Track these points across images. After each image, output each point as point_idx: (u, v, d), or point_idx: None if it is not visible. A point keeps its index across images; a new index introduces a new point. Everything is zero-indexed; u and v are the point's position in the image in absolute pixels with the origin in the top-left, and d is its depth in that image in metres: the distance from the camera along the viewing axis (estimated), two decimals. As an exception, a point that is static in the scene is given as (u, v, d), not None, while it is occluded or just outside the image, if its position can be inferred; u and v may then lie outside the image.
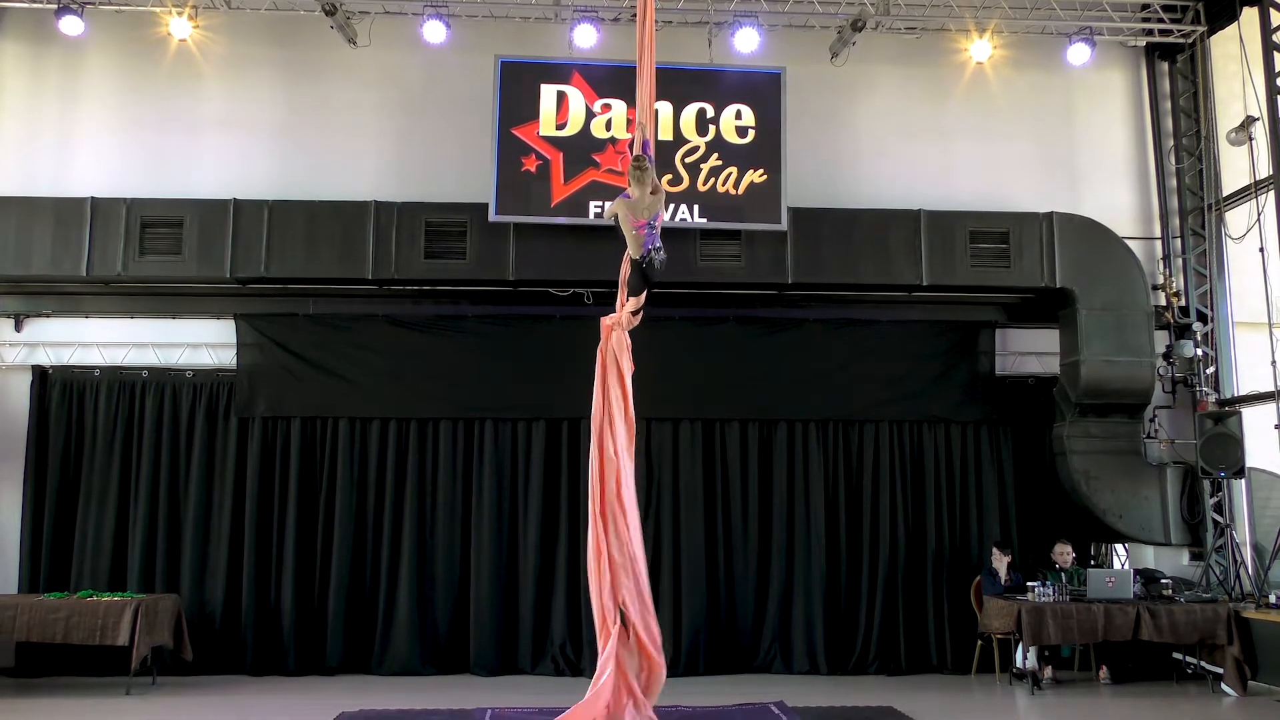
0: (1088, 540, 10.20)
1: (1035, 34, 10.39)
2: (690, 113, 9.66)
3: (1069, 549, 9.53)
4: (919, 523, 9.97)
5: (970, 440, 10.14)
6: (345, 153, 10.17)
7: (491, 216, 9.45)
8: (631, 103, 9.54)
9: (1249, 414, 9.69)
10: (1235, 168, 10.38)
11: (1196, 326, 10.39)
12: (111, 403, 9.75)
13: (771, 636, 9.69)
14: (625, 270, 7.19)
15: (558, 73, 9.71)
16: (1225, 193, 10.47)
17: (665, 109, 9.48)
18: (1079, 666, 9.45)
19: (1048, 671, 8.85)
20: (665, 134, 9.54)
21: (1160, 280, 10.46)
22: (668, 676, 9.30)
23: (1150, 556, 10.15)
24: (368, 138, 10.24)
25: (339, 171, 10.08)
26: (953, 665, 9.66)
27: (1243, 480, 9.71)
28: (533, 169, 9.55)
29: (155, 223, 9.49)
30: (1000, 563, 9.46)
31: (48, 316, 9.98)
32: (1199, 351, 10.29)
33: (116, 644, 8.24)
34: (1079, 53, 10.22)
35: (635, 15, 9.86)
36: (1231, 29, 9.96)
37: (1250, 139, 10.02)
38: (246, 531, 9.54)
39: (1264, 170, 9.75)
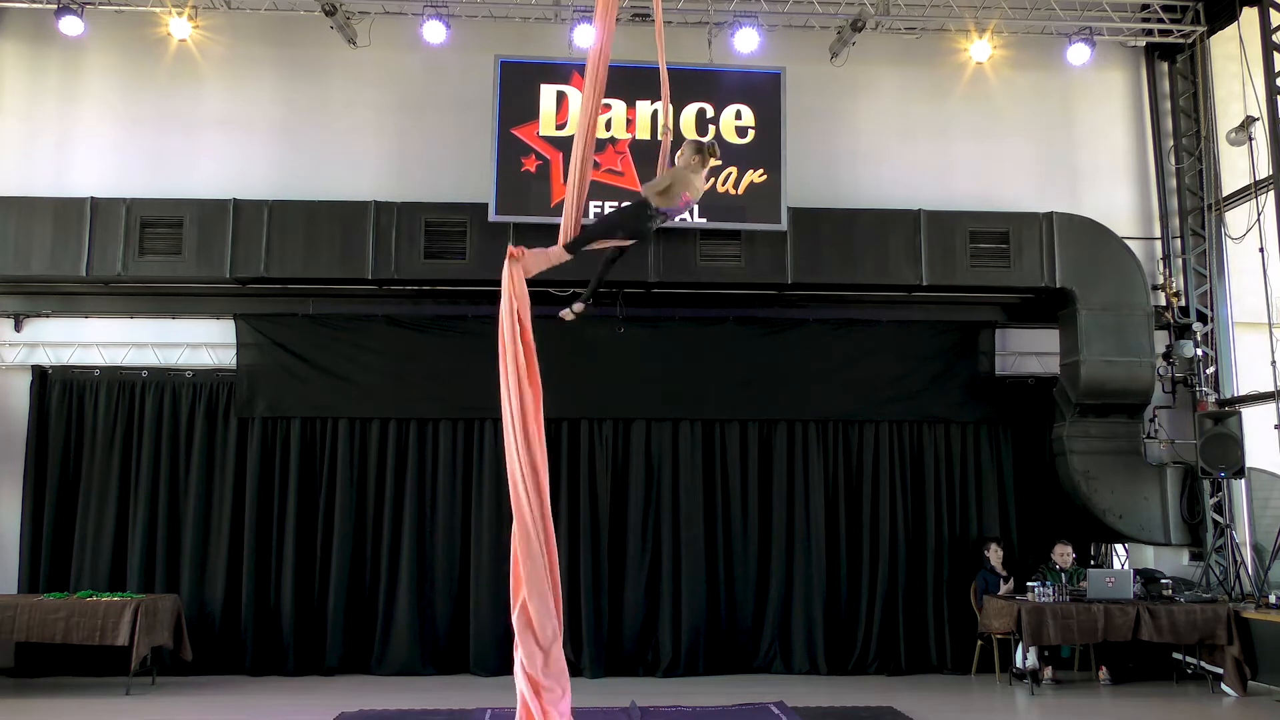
0: (1088, 540, 10.20)
1: (1035, 34, 10.39)
2: (690, 113, 9.66)
3: (1069, 549, 9.53)
4: (919, 523, 9.96)
5: (970, 440, 10.14)
6: (345, 152, 10.17)
7: (491, 216, 9.45)
8: (631, 103, 9.60)
9: (1249, 414, 9.69)
10: (1235, 168, 10.38)
11: (1196, 326, 10.39)
12: (111, 403, 9.75)
13: (771, 636, 9.69)
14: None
15: (558, 73, 9.72)
16: (1225, 193, 10.47)
17: (667, 103, 9.45)
18: (1079, 666, 9.45)
19: (1048, 671, 8.84)
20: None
21: (1160, 280, 10.46)
22: (668, 676, 9.41)
23: (1150, 556, 10.15)
24: (367, 137, 10.24)
25: (339, 171, 10.07)
26: (953, 665, 9.66)
27: (1243, 480, 9.71)
28: (532, 169, 9.55)
29: (155, 223, 9.49)
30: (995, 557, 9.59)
31: (48, 316, 9.98)
32: (1199, 351, 10.28)
33: (116, 644, 8.23)
34: (1079, 53, 10.22)
35: (635, 16, 9.94)
36: (1231, 29, 9.95)
37: (1250, 139, 10.02)
38: (246, 531, 9.53)
39: (1264, 170, 9.75)
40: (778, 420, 10.00)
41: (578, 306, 6.24)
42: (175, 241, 9.46)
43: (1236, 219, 10.34)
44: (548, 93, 9.66)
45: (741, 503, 9.89)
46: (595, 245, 6.07)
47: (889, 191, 10.21)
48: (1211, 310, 10.46)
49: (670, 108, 6.46)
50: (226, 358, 9.87)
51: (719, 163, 6.26)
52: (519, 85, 9.62)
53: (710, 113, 9.72)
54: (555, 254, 5.98)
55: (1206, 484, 9.74)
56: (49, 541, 9.51)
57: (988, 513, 10.00)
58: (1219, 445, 9.39)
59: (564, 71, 9.71)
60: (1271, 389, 9.43)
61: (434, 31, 9.86)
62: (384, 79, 10.34)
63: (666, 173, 6.04)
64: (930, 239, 9.81)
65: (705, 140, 6.23)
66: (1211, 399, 10.18)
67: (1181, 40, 10.59)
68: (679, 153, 6.06)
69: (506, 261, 5.92)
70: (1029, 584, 8.89)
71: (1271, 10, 9.45)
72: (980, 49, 10.32)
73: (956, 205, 10.04)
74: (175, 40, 10.01)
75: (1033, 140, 10.66)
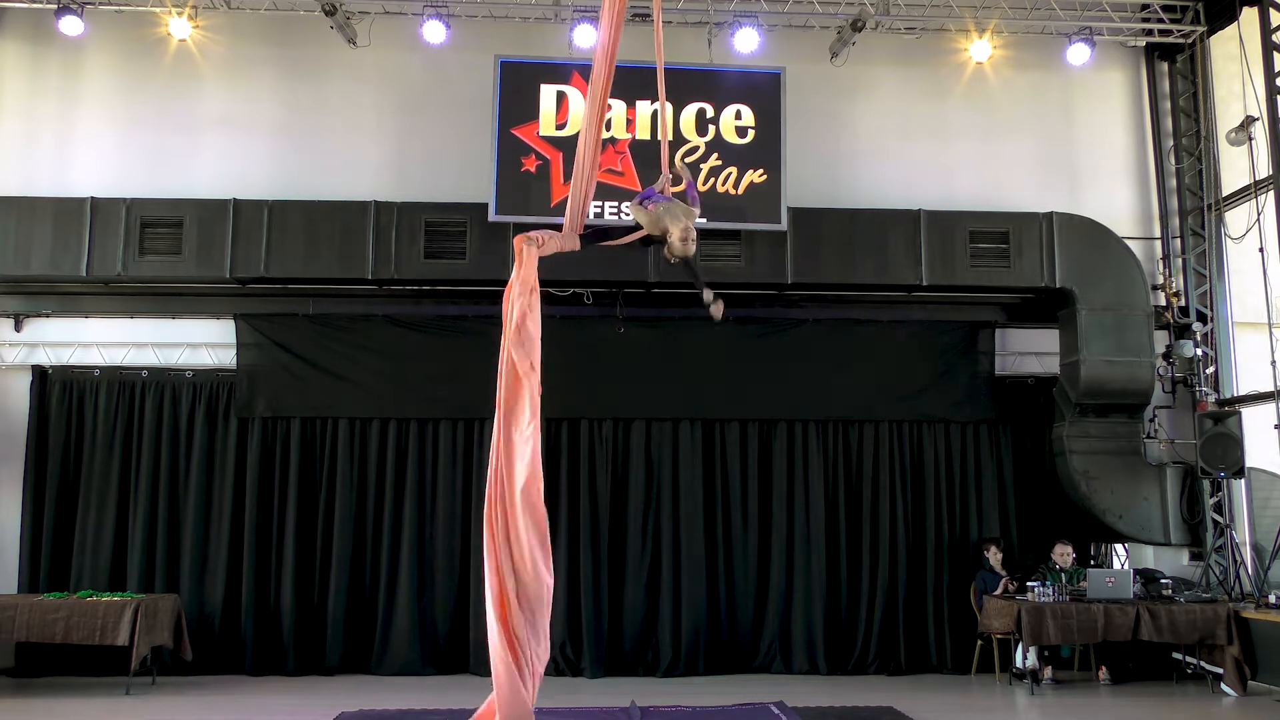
0: (1088, 540, 10.20)
1: (1035, 34, 10.39)
2: (690, 113, 9.66)
3: (1069, 549, 9.53)
4: (919, 523, 9.96)
5: (970, 440, 10.13)
6: (345, 152, 10.17)
7: (491, 216, 9.45)
8: (631, 102, 9.59)
9: (1249, 414, 9.69)
10: (1235, 168, 10.39)
11: (1196, 326, 10.39)
12: (111, 403, 9.75)
13: (771, 636, 9.69)
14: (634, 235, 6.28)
15: (558, 73, 9.71)
16: (1225, 193, 10.48)
17: (665, 109, 9.46)
18: (1079, 666, 9.44)
19: (1048, 671, 8.84)
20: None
21: (1160, 280, 10.46)
22: (668, 676, 9.41)
23: (1150, 556, 10.15)
24: (367, 137, 10.24)
25: (339, 171, 10.08)
26: (953, 665, 9.65)
27: (1242, 480, 9.71)
28: (532, 169, 9.55)
29: (155, 223, 9.49)
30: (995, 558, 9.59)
31: (48, 316, 9.98)
32: (1199, 351, 10.28)
33: (116, 644, 8.23)
34: (1079, 53, 10.22)
35: (635, 16, 9.93)
36: (1231, 29, 9.96)
37: (1250, 139, 10.03)
38: (246, 531, 9.53)
39: (1264, 170, 9.75)
40: (778, 420, 10.00)
41: (709, 296, 5.91)
42: (175, 241, 9.47)
43: (1236, 219, 10.34)
44: (548, 93, 9.65)
45: (741, 503, 9.89)
46: (608, 243, 6.04)
47: (889, 191, 10.21)
48: (1211, 310, 10.46)
49: (669, 109, 6.39)
50: (226, 358, 9.87)
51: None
52: (519, 85, 9.62)
53: (710, 113, 9.72)
54: (568, 239, 5.95)
55: (1206, 484, 9.74)
56: (49, 541, 9.51)
57: (988, 513, 10.00)
58: (1219, 445, 9.39)
59: (564, 71, 9.71)
60: (1271, 389, 9.43)
61: (434, 31, 9.86)
62: (384, 79, 10.35)
63: (648, 215, 5.97)
64: (930, 239, 9.81)
65: (687, 227, 5.90)
66: (1211, 399, 10.18)
67: (1181, 40, 10.59)
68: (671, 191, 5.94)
69: (523, 248, 5.66)
70: (1029, 584, 8.89)
71: (1271, 10, 9.46)
72: (980, 49, 10.32)
73: (956, 205, 10.04)
74: (175, 40, 10.01)
75: (1033, 140, 10.66)
